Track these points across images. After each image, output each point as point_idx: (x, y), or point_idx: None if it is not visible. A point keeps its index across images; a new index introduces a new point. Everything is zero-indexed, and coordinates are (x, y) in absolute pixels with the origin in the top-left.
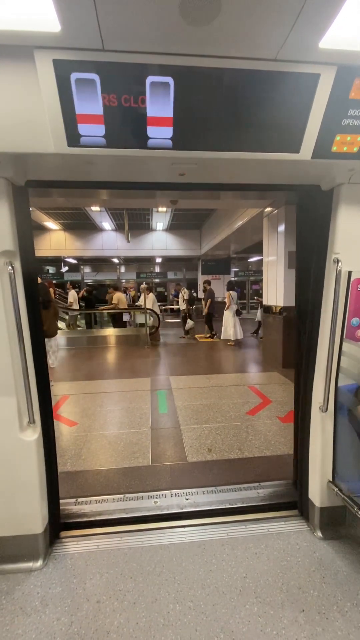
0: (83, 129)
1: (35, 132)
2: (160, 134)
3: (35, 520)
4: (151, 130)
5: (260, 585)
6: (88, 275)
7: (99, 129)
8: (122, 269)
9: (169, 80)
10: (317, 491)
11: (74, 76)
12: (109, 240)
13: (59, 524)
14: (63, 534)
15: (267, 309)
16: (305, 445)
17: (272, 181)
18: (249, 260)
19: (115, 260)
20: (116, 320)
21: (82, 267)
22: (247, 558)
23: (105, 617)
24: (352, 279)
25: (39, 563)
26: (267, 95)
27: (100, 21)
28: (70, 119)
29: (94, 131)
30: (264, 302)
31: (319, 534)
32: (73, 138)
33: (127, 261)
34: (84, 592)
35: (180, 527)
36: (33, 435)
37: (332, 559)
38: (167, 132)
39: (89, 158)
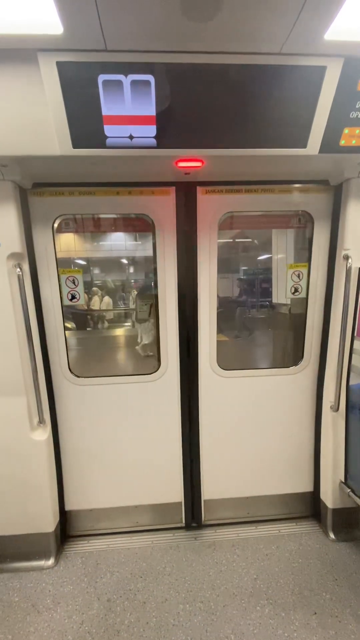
0: (110, 130)
1: (40, 134)
2: (165, 132)
3: (46, 519)
4: (156, 129)
5: (271, 587)
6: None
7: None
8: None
9: (172, 78)
10: (329, 492)
11: (101, 78)
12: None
13: (71, 523)
14: (74, 532)
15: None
16: (317, 446)
17: (278, 177)
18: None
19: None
20: None
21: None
22: (258, 559)
23: (115, 616)
24: None
25: (51, 561)
26: (273, 89)
27: (102, 21)
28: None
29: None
30: (273, 300)
31: (332, 535)
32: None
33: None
34: (95, 591)
35: (191, 527)
36: (43, 435)
37: (345, 561)
38: (173, 130)
39: (94, 159)
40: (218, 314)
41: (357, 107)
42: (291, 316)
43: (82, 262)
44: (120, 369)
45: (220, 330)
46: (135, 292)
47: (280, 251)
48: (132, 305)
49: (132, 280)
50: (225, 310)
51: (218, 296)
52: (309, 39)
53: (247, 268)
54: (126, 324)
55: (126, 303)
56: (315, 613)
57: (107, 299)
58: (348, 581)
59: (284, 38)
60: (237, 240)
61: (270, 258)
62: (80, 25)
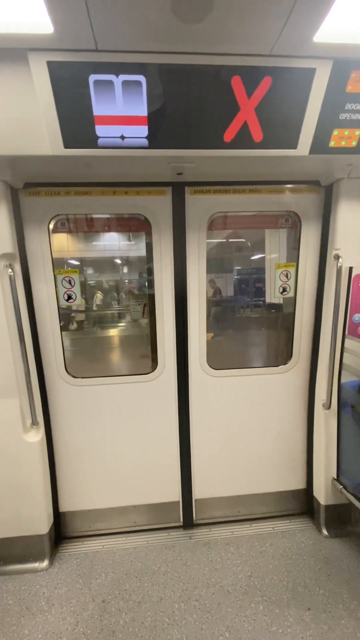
0: (101, 130)
1: (31, 134)
2: (157, 133)
3: (40, 521)
4: (147, 130)
5: (265, 583)
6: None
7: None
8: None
9: (163, 79)
10: (322, 489)
11: (92, 78)
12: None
13: (65, 524)
14: (69, 534)
15: (271, 307)
16: (310, 443)
17: (269, 178)
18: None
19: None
20: None
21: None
22: (252, 557)
23: (110, 617)
24: (354, 274)
25: (45, 563)
26: (263, 91)
27: (93, 21)
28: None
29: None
30: (267, 300)
31: (325, 532)
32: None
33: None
34: (90, 592)
35: (187, 526)
36: (36, 436)
37: (338, 557)
38: (164, 131)
39: (87, 159)
40: (212, 313)
41: (346, 108)
42: (282, 315)
43: (76, 263)
44: (109, 369)
45: (213, 329)
46: (129, 292)
47: (274, 251)
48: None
49: (126, 280)
50: (220, 309)
51: (211, 296)
52: (299, 41)
53: (242, 268)
54: (120, 324)
55: (121, 303)
56: (309, 609)
57: (99, 294)
58: (341, 577)
59: (274, 40)
60: (230, 240)
61: (263, 258)
62: (70, 24)
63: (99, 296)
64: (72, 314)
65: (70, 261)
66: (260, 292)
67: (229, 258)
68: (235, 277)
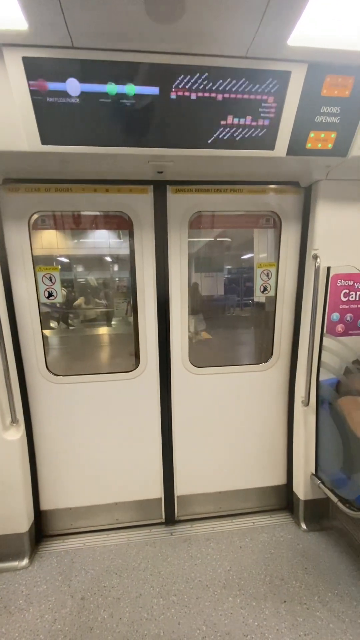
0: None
1: (8, 130)
2: (135, 130)
3: (20, 520)
4: (126, 127)
5: (243, 577)
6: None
7: (77, 126)
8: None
9: (140, 77)
10: (301, 484)
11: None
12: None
13: (46, 523)
14: (50, 532)
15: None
16: (290, 440)
17: (250, 178)
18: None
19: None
20: None
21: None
22: (231, 552)
23: (89, 613)
24: (331, 274)
25: (25, 562)
26: (240, 92)
27: (67, 19)
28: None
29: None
30: (255, 299)
31: (303, 526)
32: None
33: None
34: (69, 589)
35: (169, 523)
36: (16, 434)
37: (315, 550)
38: (143, 129)
39: (64, 156)
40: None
41: (321, 111)
42: (266, 314)
43: (64, 260)
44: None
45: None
46: (115, 290)
47: (262, 250)
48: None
49: (115, 279)
50: (209, 308)
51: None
52: (273, 43)
53: (231, 267)
54: (105, 322)
55: (108, 301)
56: (285, 601)
57: (81, 299)
58: (317, 569)
59: (248, 42)
60: (218, 239)
61: (252, 257)
62: (44, 21)
63: (80, 301)
64: (55, 312)
65: (59, 258)
66: (250, 291)
67: (219, 257)
68: (226, 276)
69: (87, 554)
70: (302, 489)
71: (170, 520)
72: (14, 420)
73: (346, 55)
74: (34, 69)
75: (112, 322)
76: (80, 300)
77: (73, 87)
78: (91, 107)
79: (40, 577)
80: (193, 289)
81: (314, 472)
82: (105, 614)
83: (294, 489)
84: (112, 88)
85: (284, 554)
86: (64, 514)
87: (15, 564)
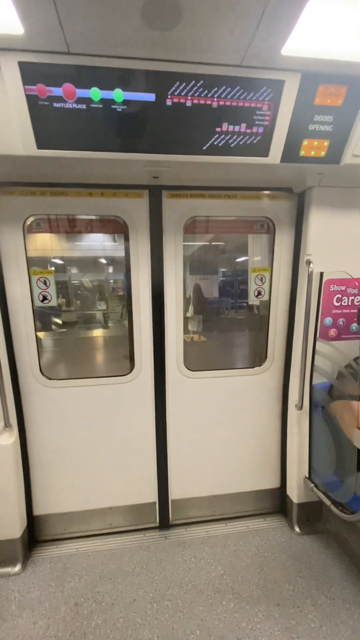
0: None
1: (4, 134)
2: (131, 136)
3: (13, 525)
4: (122, 132)
5: (237, 581)
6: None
7: (73, 131)
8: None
9: (137, 84)
10: (295, 488)
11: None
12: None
13: (39, 528)
14: (43, 537)
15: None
16: (283, 443)
17: (244, 184)
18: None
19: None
20: None
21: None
22: (225, 555)
23: (82, 619)
24: (324, 279)
25: (17, 568)
26: (234, 100)
27: (63, 25)
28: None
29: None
30: (249, 302)
31: (297, 529)
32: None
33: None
34: (62, 595)
35: (163, 527)
36: (9, 439)
37: (308, 553)
38: (139, 135)
39: (60, 160)
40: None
41: (315, 120)
42: (260, 317)
43: (60, 262)
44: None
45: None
46: (110, 293)
47: (256, 254)
48: (102, 307)
49: (110, 281)
50: (204, 311)
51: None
52: (267, 53)
53: (226, 270)
54: (101, 325)
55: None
56: (278, 604)
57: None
58: (310, 572)
59: (243, 51)
60: (213, 243)
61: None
62: (41, 27)
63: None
64: (51, 315)
65: (54, 260)
66: (245, 295)
67: (213, 261)
68: (220, 278)
69: (81, 559)
70: (295, 492)
71: (165, 524)
72: (7, 425)
73: (339, 65)
74: (29, 74)
75: (96, 325)
76: (60, 301)
77: (69, 92)
78: (87, 113)
79: (33, 583)
80: (197, 291)
81: (307, 476)
82: (99, 619)
83: (288, 492)
84: (107, 94)
85: (277, 557)
86: (58, 519)
87: (8, 570)
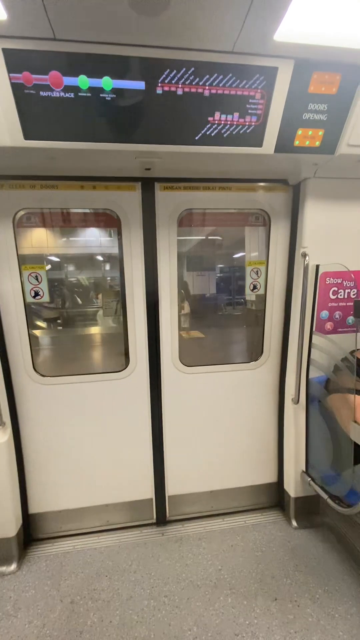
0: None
1: None
2: (121, 125)
3: (8, 524)
4: (112, 122)
5: (235, 576)
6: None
7: (61, 121)
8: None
9: (126, 72)
10: (292, 481)
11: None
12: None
13: (35, 526)
14: (39, 535)
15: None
16: (280, 437)
17: (239, 176)
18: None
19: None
20: None
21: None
22: (223, 551)
23: (78, 617)
24: (320, 272)
25: (13, 567)
26: (227, 88)
27: (48, 10)
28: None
29: (53, 123)
30: (247, 298)
31: (294, 523)
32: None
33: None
34: (58, 594)
35: (160, 523)
36: (3, 437)
37: (305, 547)
38: (129, 124)
39: (48, 152)
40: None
41: (309, 109)
42: (256, 312)
43: (56, 259)
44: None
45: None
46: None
47: (253, 250)
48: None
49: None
50: (201, 307)
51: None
52: (259, 38)
53: (224, 266)
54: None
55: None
56: (276, 599)
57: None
58: (307, 566)
59: (234, 36)
60: (210, 237)
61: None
62: (25, 12)
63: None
64: (44, 311)
65: (50, 257)
66: (237, 291)
67: (211, 256)
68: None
69: (77, 557)
70: (292, 486)
71: (162, 520)
72: (0, 423)
73: (333, 52)
74: (14, 62)
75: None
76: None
77: (56, 80)
78: (75, 102)
79: (28, 581)
80: (183, 288)
81: (304, 470)
82: (95, 617)
83: (285, 487)
84: (95, 82)
85: (274, 552)
86: (54, 516)
87: (3, 569)
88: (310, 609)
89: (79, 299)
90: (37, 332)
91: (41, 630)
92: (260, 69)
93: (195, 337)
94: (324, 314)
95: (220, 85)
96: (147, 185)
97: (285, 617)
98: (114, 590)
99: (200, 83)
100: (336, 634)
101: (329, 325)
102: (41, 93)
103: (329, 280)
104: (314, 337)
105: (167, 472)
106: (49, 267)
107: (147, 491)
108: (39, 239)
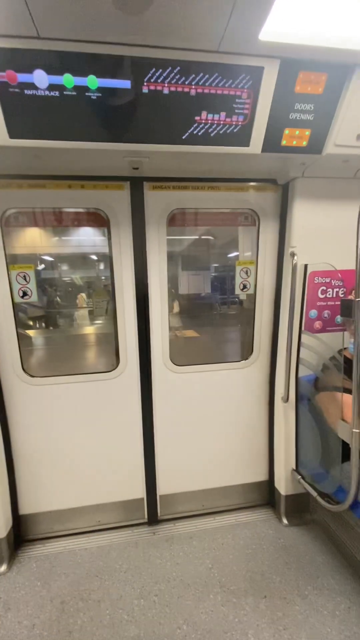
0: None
1: None
2: (107, 124)
3: None
4: (98, 121)
5: (225, 574)
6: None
7: (46, 120)
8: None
9: (111, 71)
10: (282, 480)
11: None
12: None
13: (25, 527)
14: (29, 536)
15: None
16: (271, 436)
17: (227, 175)
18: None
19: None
20: None
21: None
22: (213, 549)
23: (68, 617)
24: (309, 272)
25: (3, 568)
26: (213, 87)
27: (31, 8)
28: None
29: (38, 122)
30: (233, 298)
31: (285, 521)
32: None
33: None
34: (48, 594)
35: (151, 523)
36: None
37: (295, 544)
38: (115, 123)
39: (34, 151)
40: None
41: (295, 108)
42: (249, 311)
43: (50, 259)
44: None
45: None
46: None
47: (247, 249)
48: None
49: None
50: (196, 306)
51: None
52: (245, 38)
53: (218, 265)
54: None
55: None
56: (265, 596)
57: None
58: (297, 563)
59: (219, 36)
60: (203, 237)
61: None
62: (7, 10)
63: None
64: (32, 311)
65: (43, 257)
66: (226, 292)
67: (205, 256)
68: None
69: (68, 557)
70: (283, 484)
71: (153, 520)
72: None
73: (318, 52)
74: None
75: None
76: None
77: (40, 79)
78: (60, 100)
79: (19, 582)
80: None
81: (294, 468)
82: (85, 617)
83: (276, 485)
84: (80, 81)
85: (265, 549)
86: (44, 517)
87: None
88: (299, 606)
89: (68, 299)
90: (27, 332)
91: (31, 630)
92: (246, 69)
93: (189, 337)
94: (313, 313)
95: (207, 84)
96: (136, 184)
97: (274, 614)
98: (104, 590)
99: (187, 82)
100: (324, 631)
101: (317, 324)
102: (26, 92)
103: (318, 279)
104: (303, 336)
105: (158, 471)
106: (42, 266)
107: (139, 491)
108: (28, 238)
